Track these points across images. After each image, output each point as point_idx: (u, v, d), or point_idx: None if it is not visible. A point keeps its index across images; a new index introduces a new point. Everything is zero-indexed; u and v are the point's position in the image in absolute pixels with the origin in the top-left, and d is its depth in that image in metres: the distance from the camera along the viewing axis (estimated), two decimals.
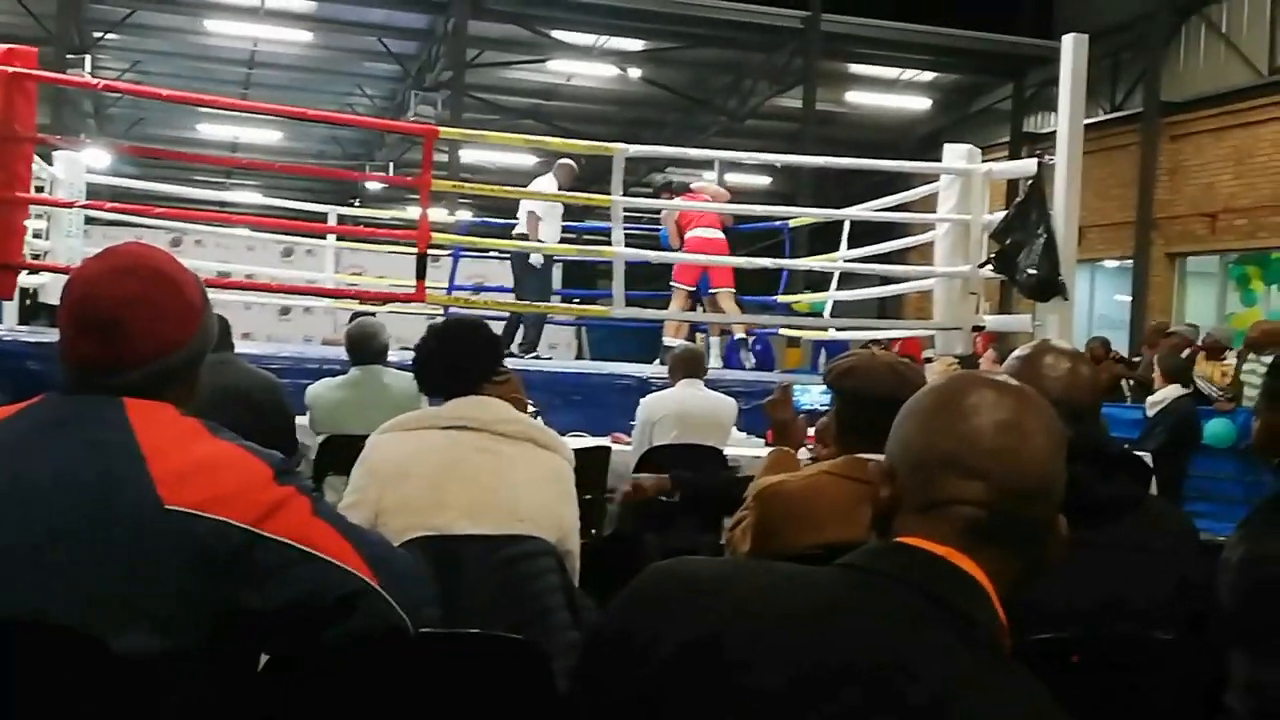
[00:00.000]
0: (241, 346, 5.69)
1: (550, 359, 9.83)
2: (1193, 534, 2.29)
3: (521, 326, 10.01)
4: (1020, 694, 1.23)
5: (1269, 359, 9.80)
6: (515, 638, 2.32)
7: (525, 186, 10.12)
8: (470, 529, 2.74)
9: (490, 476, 2.83)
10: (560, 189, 9.73)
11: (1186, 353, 10.38)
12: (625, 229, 9.41)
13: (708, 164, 14.91)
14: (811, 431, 4.54)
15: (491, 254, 13.02)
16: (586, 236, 11.07)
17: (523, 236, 9.54)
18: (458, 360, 3.10)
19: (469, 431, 2.91)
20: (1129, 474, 2.23)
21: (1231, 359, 10.39)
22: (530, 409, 3.53)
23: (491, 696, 2.21)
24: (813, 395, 6.16)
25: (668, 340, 10.04)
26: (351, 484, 2.90)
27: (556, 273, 13.76)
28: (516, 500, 2.82)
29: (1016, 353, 2.48)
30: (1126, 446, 2.46)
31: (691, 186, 10.52)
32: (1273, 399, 2.43)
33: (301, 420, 5.74)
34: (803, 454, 3.90)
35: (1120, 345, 14.86)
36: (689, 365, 6.39)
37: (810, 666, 1.20)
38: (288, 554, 1.74)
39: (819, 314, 10.69)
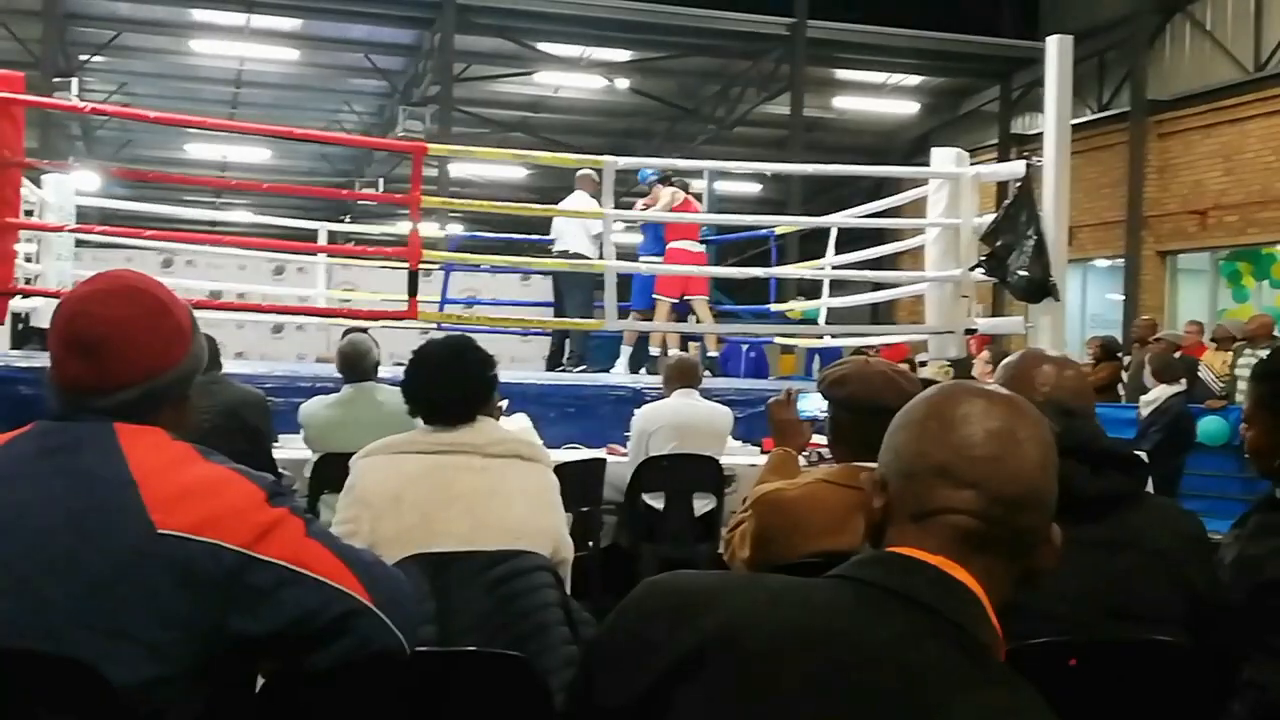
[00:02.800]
0: (234, 366, 5.71)
1: (586, 369, 9.78)
2: (1198, 535, 2.28)
3: (569, 340, 10.05)
4: (1014, 702, 1.23)
5: (1264, 353, 9.85)
6: (511, 654, 2.31)
7: (515, 201, 10.08)
8: (467, 549, 2.74)
9: (482, 497, 2.83)
10: (592, 199, 9.64)
11: (1178, 354, 10.41)
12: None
13: (697, 173, 14.90)
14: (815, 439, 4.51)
15: (483, 268, 13.02)
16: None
17: (564, 254, 9.50)
18: (458, 391, 3.02)
19: (456, 454, 2.90)
20: (1120, 469, 2.23)
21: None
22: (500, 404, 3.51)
23: (489, 714, 2.21)
24: (813, 401, 6.14)
25: (655, 351, 10.02)
26: (342, 512, 2.87)
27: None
28: (510, 517, 2.82)
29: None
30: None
31: (689, 189, 10.47)
32: (1264, 402, 2.42)
33: (296, 438, 5.74)
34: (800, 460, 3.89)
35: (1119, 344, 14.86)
36: (683, 375, 6.37)
37: (802, 679, 1.20)
38: (282, 575, 1.74)
39: (812, 321, 10.68)
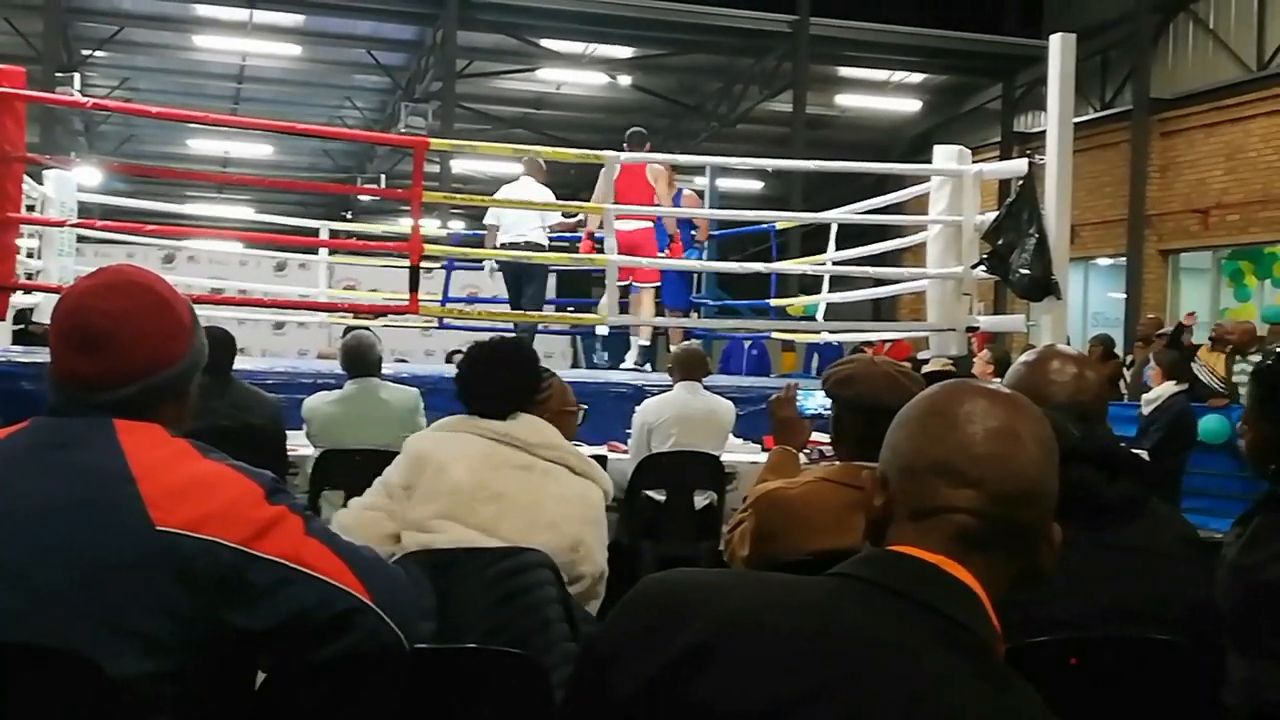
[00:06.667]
0: (236, 362, 5.70)
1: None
2: (1194, 538, 2.28)
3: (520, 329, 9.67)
4: (1012, 701, 1.23)
5: (1255, 358, 9.84)
6: (512, 652, 2.31)
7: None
8: (495, 538, 2.79)
9: (519, 490, 2.92)
10: (541, 185, 9.28)
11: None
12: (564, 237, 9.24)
13: (699, 170, 14.89)
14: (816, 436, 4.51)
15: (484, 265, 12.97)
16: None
17: (515, 244, 9.09)
18: (501, 385, 3.18)
19: (507, 446, 3.01)
20: (1135, 477, 2.23)
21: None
22: (581, 411, 3.64)
23: (489, 712, 2.21)
24: (816, 400, 6.14)
25: (643, 341, 9.81)
26: (395, 471, 3.02)
27: (551, 281, 13.71)
28: (537, 513, 2.89)
29: (1022, 358, 2.48)
30: (1124, 445, 2.42)
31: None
32: (1263, 406, 2.42)
33: (297, 434, 5.74)
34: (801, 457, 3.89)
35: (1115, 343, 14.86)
36: (687, 367, 6.36)
37: (801, 678, 1.20)
38: (280, 573, 1.74)
39: (812, 317, 10.68)
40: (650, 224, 9.43)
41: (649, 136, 9.91)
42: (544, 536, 2.84)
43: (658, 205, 9.18)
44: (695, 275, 10.84)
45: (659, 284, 9.73)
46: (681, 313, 10.17)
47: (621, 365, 9.69)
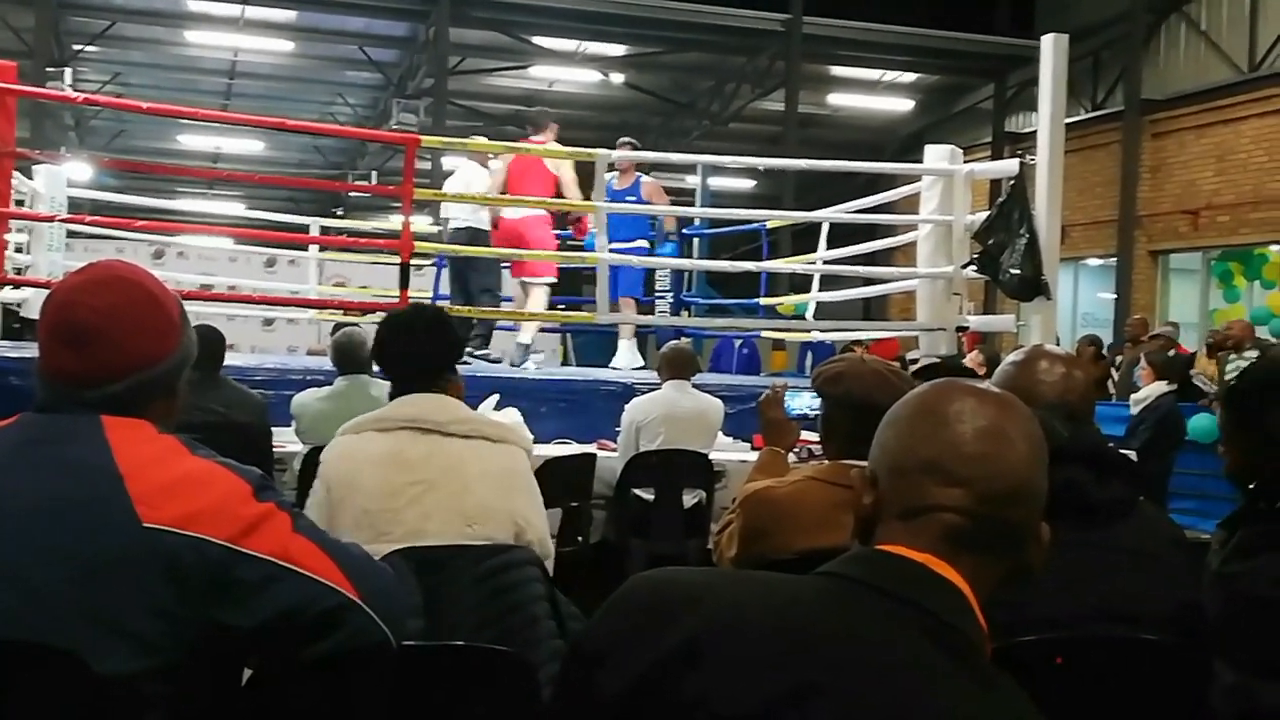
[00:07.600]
0: (225, 358, 5.68)
1: (499, 360, 9.15)
2: (1182, 539, 2.29)
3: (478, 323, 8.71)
4: (998, 700, 1.23)
5: (1252, 354, 9.86)
6: (500, 649, 2.31)
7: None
8: (426, 539, 2.74)
9: (439, 480, 2.84)
10: (483, 168, 8.93)
11: (1171, 352, 10.43)
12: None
13: (691, 168, 14.87)
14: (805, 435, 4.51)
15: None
16: (570, 242, 10.91)
17: (461, 230, 8.59)
18: (424, 353, 3.06)
19: (416, 433, 2.90)
20: (1123, 477, 2.23)
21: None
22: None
23: (477, 709, 2.20)
24: (804, 400, 6.14)
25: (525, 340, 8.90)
26: (311, 493, 2.90)
27: None
28: (464, 499, 2.82)
29: (1010, 358, 2.48)
30: (1111, 445, 2.43)
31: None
32: (1237, 428, 2.42)
33: (286, 430, 5.72)
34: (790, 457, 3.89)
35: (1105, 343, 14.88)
36: (675, 366, 6.37)
37: (788, 677, 1.20)
38: (268, 570, 1.73)
39: (803, 316, 10.67)
40: (543, 211, 8.78)
41: (634, 133, 9.82)
42: (481, 524, 2.82)
43: (560, 192, 8.68)
44: (684, 272, 10.82)
45: (554, 279, 8.86)
46: (635, 300, 9.97)
47: (612, 365, 9.63)
